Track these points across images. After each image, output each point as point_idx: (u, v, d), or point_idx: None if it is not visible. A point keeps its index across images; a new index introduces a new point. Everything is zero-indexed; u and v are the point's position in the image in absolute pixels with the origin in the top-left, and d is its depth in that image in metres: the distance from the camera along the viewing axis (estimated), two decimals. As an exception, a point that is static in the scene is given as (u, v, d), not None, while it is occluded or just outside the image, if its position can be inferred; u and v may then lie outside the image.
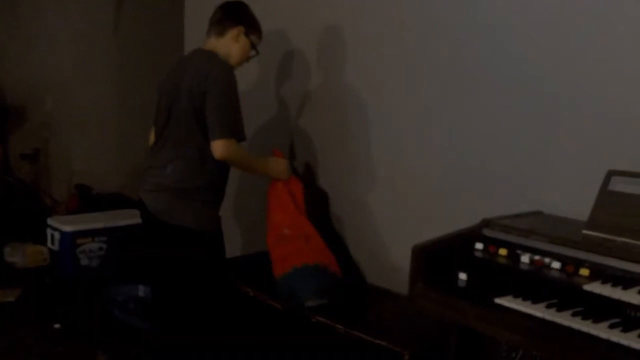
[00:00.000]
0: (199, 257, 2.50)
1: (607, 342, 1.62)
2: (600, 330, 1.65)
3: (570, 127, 2.27)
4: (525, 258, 1.96)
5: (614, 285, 1.75)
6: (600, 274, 1.81)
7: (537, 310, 1.77)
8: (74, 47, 4.90)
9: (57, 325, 3.49)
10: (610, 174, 2.00)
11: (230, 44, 2.62)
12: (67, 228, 3.89)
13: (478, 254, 2.05)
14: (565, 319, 1.72)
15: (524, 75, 2.39)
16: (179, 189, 2.49)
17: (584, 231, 1.96)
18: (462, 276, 2.01)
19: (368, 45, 2.92)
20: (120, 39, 4.97)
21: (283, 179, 2.76)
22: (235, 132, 2.47)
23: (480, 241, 2.07)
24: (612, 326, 1.67)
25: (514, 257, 1.99)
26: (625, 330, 1.64)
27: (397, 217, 2.85)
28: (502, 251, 2.01)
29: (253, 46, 2.70)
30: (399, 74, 2.81)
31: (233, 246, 3.10)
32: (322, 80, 3.14)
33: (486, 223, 2.11)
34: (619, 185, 1.98)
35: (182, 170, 2.48)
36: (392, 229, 2.87)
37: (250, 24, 2.68)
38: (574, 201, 2.15)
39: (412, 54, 2.75)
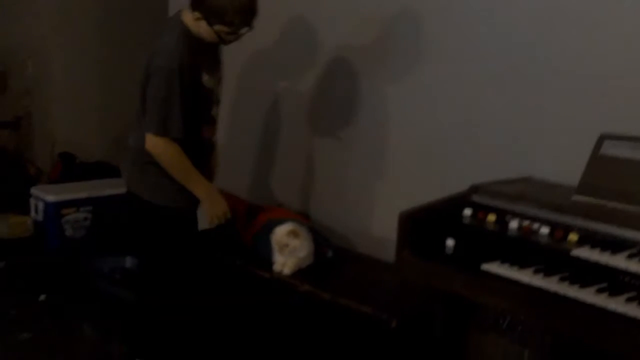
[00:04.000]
0: (156, 230, 2.42)
1: (594, 307, 1.61)
2: (587, 295, 1.64)
3: (561, 91, 2.24)
4: (514, 224, 1.93)
5: (603, 250, 1.74)
6: (589, 239, 1.80)
7: (525, 276, 1.75)
8: (54, 11, 4.77)
9: (42, 297, 3.45)
10: (603, 137, 1.97)
11: (194, 22, 2.31)
12: (51, 198, 3.82)
13: (466, 220, 2.03)
14: (552, 284, 1.70)
15: (512, 40, 2.34)
16: (136, 160, 2.41)
17: (574, 196, 1.93)
18: (450, 243, 1.98)
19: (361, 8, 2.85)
20: (102, 2, 4.85)
21: (212, 219, 2.44)
22: (167, 129, 2.25)
23: (469, 207, 2.04)
24: (599, 291, 1.66)
25: (502, 223, 1.96)
26: (613, 294, 1.63)
27: (385, 185, 2.83)
28: (491, 217, 1.99)
29: (218, 35, 2.29)
30: (382, 41, 2.74)
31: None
32: (317, 45, 3.06)
33: (475, 189, 2.08)
34: (611, 149, 1.95)
35: (138, 144, 2.36)
36: (380, 197, 2.85)
37: (209, 13, 2.25)
38: (566, 166, 2.12)
39: (396, 20, 2.68)
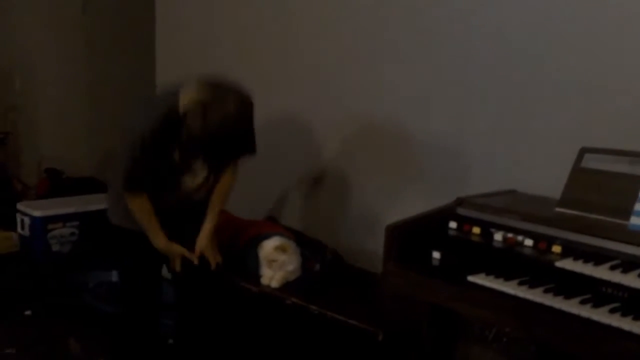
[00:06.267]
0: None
1: (578, 318, 1.63)
2: (572, 306, 1.66)
3: (543, 106, 2.27)
4: (498, 236, 1.96)
5: (586, 261, 1.76)
6: (572, 250, 1.82)
7: (510, 288, 1.77)
8: (42, 27, 4.77)
9: (28, 312, 3.42)
10: (583, 151, 2.01)
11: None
12: (38, 213, 3.80)
13: (452, 233, 2.05)
14: (537, 295, 1.72)
15: (497, 54, 2.38)
16: None
17: (557, 209, 1.96)
18: (436, 255, 2.00)
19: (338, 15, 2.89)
20: (90, 17, 4.86)
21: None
22: (128, 187, 2.34)
23: (454, 220, 2.06)
24: (583, 302, 1.68)
25: (487, 235, 1.98)
26: (596, 306, 1.65)
27: (371, 197, 2.84)
28: (476, 229, 2.01)
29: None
30: (367, 50, 2.78)
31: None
32: (303, 57, 3.09)
33: (460, 202, 2.11)
34: (592, 162, 1.98)
35: None
36: (367, 210, 2.86)
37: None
38: (548, 179, 2.15)
39: (383, 30, 2.72)
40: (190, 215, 2.51)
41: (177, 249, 2.48)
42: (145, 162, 2.28)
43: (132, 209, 2.38)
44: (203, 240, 2.51)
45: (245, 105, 2.23)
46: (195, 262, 2.49)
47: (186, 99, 2.16)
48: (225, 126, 2.13)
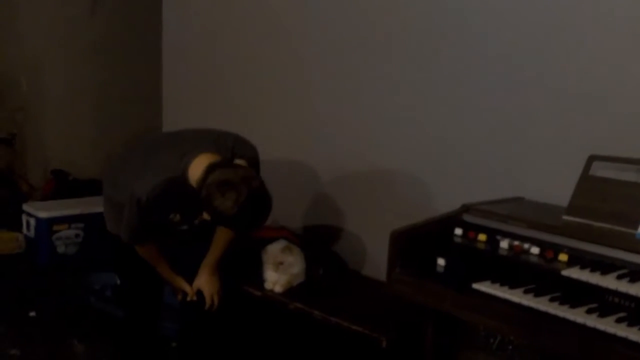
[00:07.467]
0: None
1: (584, 327, 1.62)
2: (577, 316, 1.64)
3: (551, 112, 2.26)
4: (504, 243, 1.94)
5: (593, 270, 1.75)
6: (579, 259, 1.81)
7: (515, 296, 1.76)
8: (50, 28, 4.79)
9: (32, 313, 3.43)
10: (592, 159, 2.00)
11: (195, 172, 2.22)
12: (43, 214, 3.82)
13: (457, 240, 2.04)
14: (542, 304, 1.71)
15: (502, 62, 2.37)
16: None
17: (564, 217, 1.95)
18: (441, 262, 1.99)
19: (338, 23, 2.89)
20: (98, 20, 4.87)
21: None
22: (134, 242, 2.42)
23: (459, 227, 2.05)
24: (589, 311, 1.66)
25: (493, 242, 1.97)
26: (602, 315, 1.64)
27: (377, 203, 2.83)
28: (482, 237, 2.00)
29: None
30: (373, 60, 2.78)
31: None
32: (303, 67, 3.09)
33: (466, 208, 2.09)
34: (600, 170, 1.97)
35: None
36: (372, 215, 2.85)
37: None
38: (556, 187, 2.14)
39: (387, 38, 2.72)
40: (192, 245, 2.55)
41: (179, 282, 2.54)
42: (146, 222, 2.32)
43: (138, 252, 2.44)
44: (201, 277, 2.53)
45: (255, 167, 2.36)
46: (192, 297, 2.53)
47: (211, 178, 2.08)
48: (255, 202, 2.16)
